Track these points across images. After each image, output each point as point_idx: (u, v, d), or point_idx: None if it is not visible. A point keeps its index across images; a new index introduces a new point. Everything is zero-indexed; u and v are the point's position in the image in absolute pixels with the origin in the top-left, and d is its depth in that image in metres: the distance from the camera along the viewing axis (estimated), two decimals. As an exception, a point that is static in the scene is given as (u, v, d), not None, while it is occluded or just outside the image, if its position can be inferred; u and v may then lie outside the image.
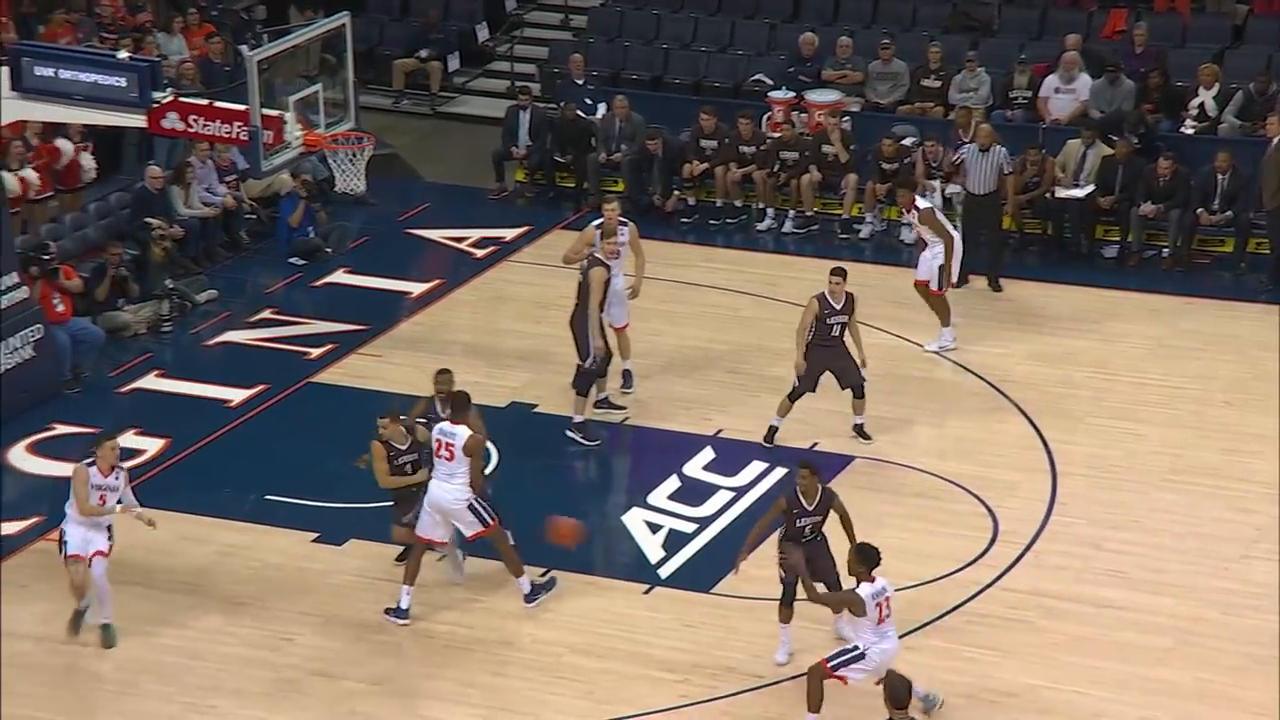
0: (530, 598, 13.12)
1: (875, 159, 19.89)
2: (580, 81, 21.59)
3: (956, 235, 17.00)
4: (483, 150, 21.34)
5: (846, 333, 15.15)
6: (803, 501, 12.27)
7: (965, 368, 16.70)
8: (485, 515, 13.00)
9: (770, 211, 20.19)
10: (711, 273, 18.83)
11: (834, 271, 15.19)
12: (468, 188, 21.16)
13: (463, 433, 12.81)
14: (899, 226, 19.83)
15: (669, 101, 21.66)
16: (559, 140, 20.90)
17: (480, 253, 19.42)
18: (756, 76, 21.97)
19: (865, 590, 11.34)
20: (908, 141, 20.19)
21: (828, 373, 15.18)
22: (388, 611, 12.98)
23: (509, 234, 19.86)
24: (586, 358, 15.26)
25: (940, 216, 17.10)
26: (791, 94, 20.90)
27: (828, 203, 20.29)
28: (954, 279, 17.05)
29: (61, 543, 12.55)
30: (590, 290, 15.19)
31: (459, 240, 19.74)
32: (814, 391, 15.22)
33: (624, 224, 15.91)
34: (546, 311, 17.82)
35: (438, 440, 12.83)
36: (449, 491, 12.85)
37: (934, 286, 16.92)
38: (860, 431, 15.43)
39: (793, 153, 20.21)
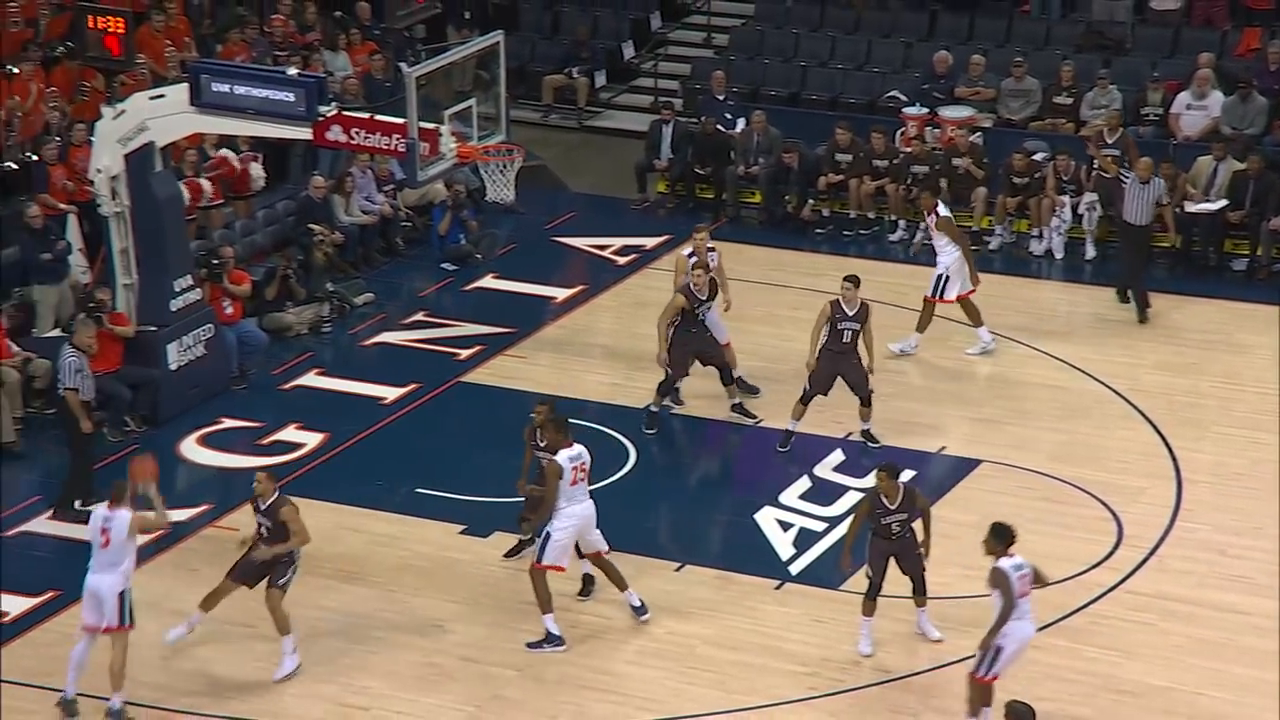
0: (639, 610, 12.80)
1: (1006, 173, 19.71)
2: (721, 97, 21.63)
3: (963, 245, 16.65)
4: (626, 163, 21.49)
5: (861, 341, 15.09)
6: (885, 502, 12.30)
7: (1093, 376, 16.49)
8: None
9: (902, 223, 20.09)
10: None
11: (847, 278, 15.12)
12: (611, 198, 21.28)
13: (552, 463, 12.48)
14: (1028, 239, 19.64)
15: (806, 117, 21.63)
16: (699, 153, 20.97)
17: (622, 260, 19.54)
18: (891, 93, 21.87)
19: (1005, 564, 11.25)
20: (1038, 156, 19.99)
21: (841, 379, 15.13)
22: (535, 645, 12.52)
23: (650, 242, 19.93)
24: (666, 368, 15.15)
25: (954, 225, 16.87)
26: (925, 110, 20.79)
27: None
28: (971, 285, 16.65)
29: (124, 610, 11.72)
30: (667, 309, 15.29)
31: (602, 248, 19.87)
32: (825, 395, 15.12)
33: (713, 250, 15.92)
34: (685, 317, 17.95)
35: (574, 466, 12.49)
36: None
37: (929, 294, 16.70)
38: (868, 436, 15.28)
39: (924, 167, 20.08)
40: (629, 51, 24.54)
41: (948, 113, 20.68)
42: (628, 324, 18.05)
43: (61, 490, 14.38)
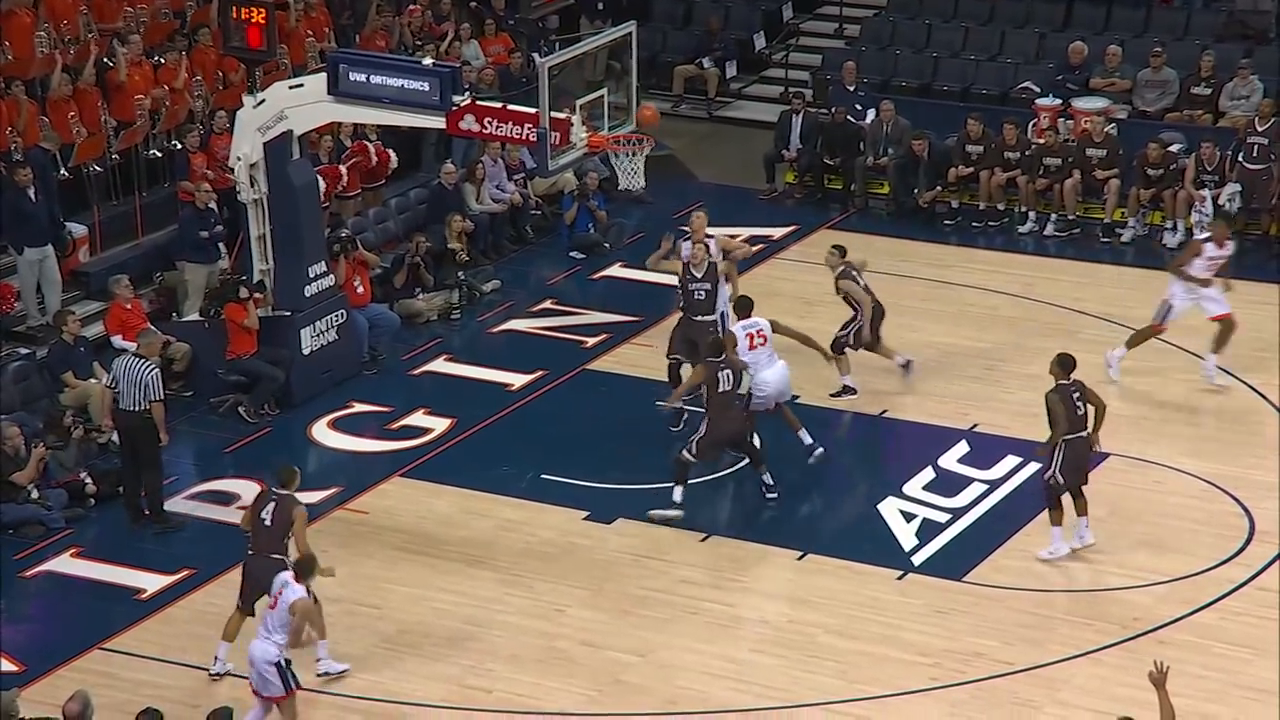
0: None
1: (1140, 165, 19.37)
2: (852, 88, 21.50)
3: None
4: (755, 153, 21.43)
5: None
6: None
7: (1228, 371, 16.16)
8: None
9: (1032, 215, 19.83)
10: (971, 273, 18.60)
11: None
12: (739, 188, 21.23)
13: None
14: (1160, 231, 19.29)
15: (937, 108, 21.43)
16: (828, 144, 20.86)
17: (751, 250, 19.50)
18: (1024, 84, 21.59)
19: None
20: (1174, 148, 19.63)
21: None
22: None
23: (777, 233, 19.88)
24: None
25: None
26: (1058, 101, 20.50)
27: (1090, 207, 19.83)
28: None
29: (286, 679, 11.31)
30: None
31: (731, 238, 19.78)
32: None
33: (710, 237, 15.72)
34: (811, 307, 17.81)
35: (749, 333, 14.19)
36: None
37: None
38: (845, 390, 15.84)
39: (1056, 159, 19.80)
40: (760, 42, 24.47)
41: (1081, 104, 20.37)
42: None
43: (153, 503, 14.06)
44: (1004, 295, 18.13)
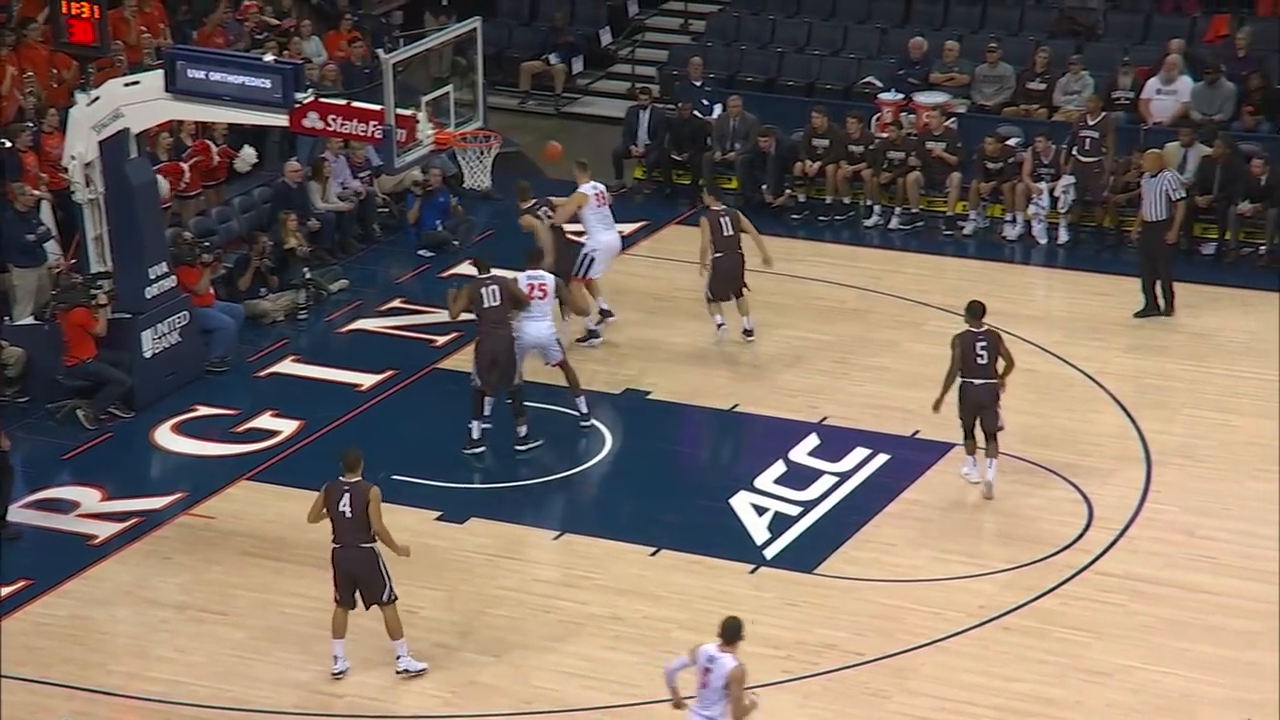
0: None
1: (980, 158, 19.70)
2: (698, 83, 21.58)
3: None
4: (603, 149, 21.37)
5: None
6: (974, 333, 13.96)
7: (1064, 359, 16.51)
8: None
9: (877, 208, 20.07)
10: (819, 266, 18.76)
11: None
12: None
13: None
14: (1001, 223, 19.64)
15: (783, 103, 21.58)
16: (676, 139, 20.91)
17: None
18: (867, 79, 21.86)
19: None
20: (1011, 141, 20.00)
21: None
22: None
23: (626, 229, 19.53)
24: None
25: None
26: (900, 96, 20.77)
27: (933, 200, 20.13)
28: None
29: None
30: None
31: (580, 234, 19.65)
32: (727, 300, 16.58)
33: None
34: (662, 303, 17.91)
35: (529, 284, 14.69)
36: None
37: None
38: (746, 334, 16.61)
39: (899, 152, 20.07)
40: (606, 37, 24.47)
41: (923, 98, 20.65)
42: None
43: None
44: (851, 289, 18.33)
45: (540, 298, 15.04)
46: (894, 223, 19.92)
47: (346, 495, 11.82)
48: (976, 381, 13.94)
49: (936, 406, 14.04)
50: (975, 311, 14.03)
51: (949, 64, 21.36)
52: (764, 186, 20.29)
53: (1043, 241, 19.32)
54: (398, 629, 12.01)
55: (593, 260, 16.88)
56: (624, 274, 18.74)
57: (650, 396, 16.03)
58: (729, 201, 19.90)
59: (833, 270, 18.73)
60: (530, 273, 15.14)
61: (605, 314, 17.17)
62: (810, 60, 22.63)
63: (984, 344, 13.92)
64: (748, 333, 16.84)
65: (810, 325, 17.45)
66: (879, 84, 21.54)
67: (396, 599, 11.96)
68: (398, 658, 12.08)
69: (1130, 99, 20.41)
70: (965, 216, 19.75)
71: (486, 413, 14.92)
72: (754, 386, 16.14)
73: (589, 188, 17.02)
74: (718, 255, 16.56)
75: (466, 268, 15.68)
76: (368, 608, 11.96)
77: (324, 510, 11.92)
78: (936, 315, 17.44)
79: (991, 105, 21.00)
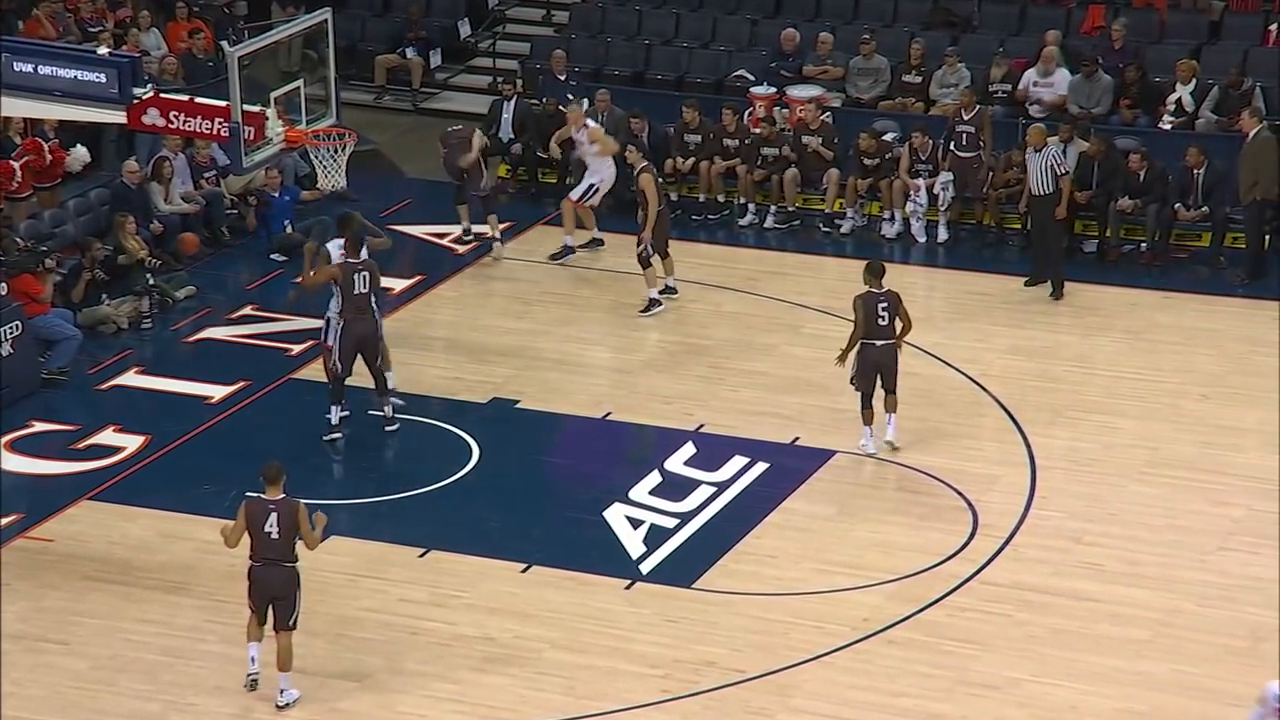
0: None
1: (856, 154, 19.87)
2: (562, 77, 21.52)
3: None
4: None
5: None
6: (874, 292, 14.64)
7: (945, 361, 16.70)
8: None
9: (751, 207, 20.15)
10: (694, 268, 18.77)
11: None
12: (449, 184, 20.90)
13: None
14: (880, 222, 19.83)
15: (652, 97, 21.58)
16: (542, 136, 20.83)
17: (462, 249, 19.41)
18: (738, 72, 21.90)
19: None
20: (888, 137, 20.20)
21: None
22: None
23: (490, 230, 19.82)
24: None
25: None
26: (773, 90, 20.88)
27: (809, 198, 20.26)
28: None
29: None
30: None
31: (440, 236, 19.71)
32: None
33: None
34: (529, 307, 17.89)
35: None
36: None
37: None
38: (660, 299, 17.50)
39: (774, 149, 20.17)
40: (465, 29, 24.33)
41: (796, 92, 20.79)
42: (469, 315, 17.94)
43: None
44: (727, 291, 18.40)
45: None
46: (770, 222, 20.02)
47: (273, 514, 11.72)
48: (878, 343, 14.65)
49: (841, 359, 14.73)
50: (875, 271, 14.76)
51: (823, 57, 21.50)
52: (633, 186, 20.21)
53: (921, 240, 19.53)
54: (289, 660, 11.86)
55: (597, 190, 18.71)
56: (488, 276, 18.70)
57: (519, 405, 15.98)
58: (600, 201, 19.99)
59: (707, 272, 18.79)
60: (338, 242, 15.48)
61: (597, 242, 18.98)
62: (679, 53, 22.66)
63: (884, 305, 14.64)
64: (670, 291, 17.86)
65: (685, 329, 17.51)
66: (750, 77, 21.63)
67: (296, 627, 11.80)
68: (281, 691, 11.95)
69: (1007, 92, 20.71)
70: (843, 215, 19.92)
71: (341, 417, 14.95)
72: (627, 394, 16.15)
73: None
74: (660, 210, 17.62)
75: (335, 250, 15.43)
76: (276, 630, 11.78)
77: (245, 531, 11.72)
78: (815, 317, 17.57)
79: (867, 99, 21.18)
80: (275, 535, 11.70)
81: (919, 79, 21.05)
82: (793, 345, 17.06)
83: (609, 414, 15.84)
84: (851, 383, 14.83)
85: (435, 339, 17.45)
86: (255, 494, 12.00)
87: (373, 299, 15.13)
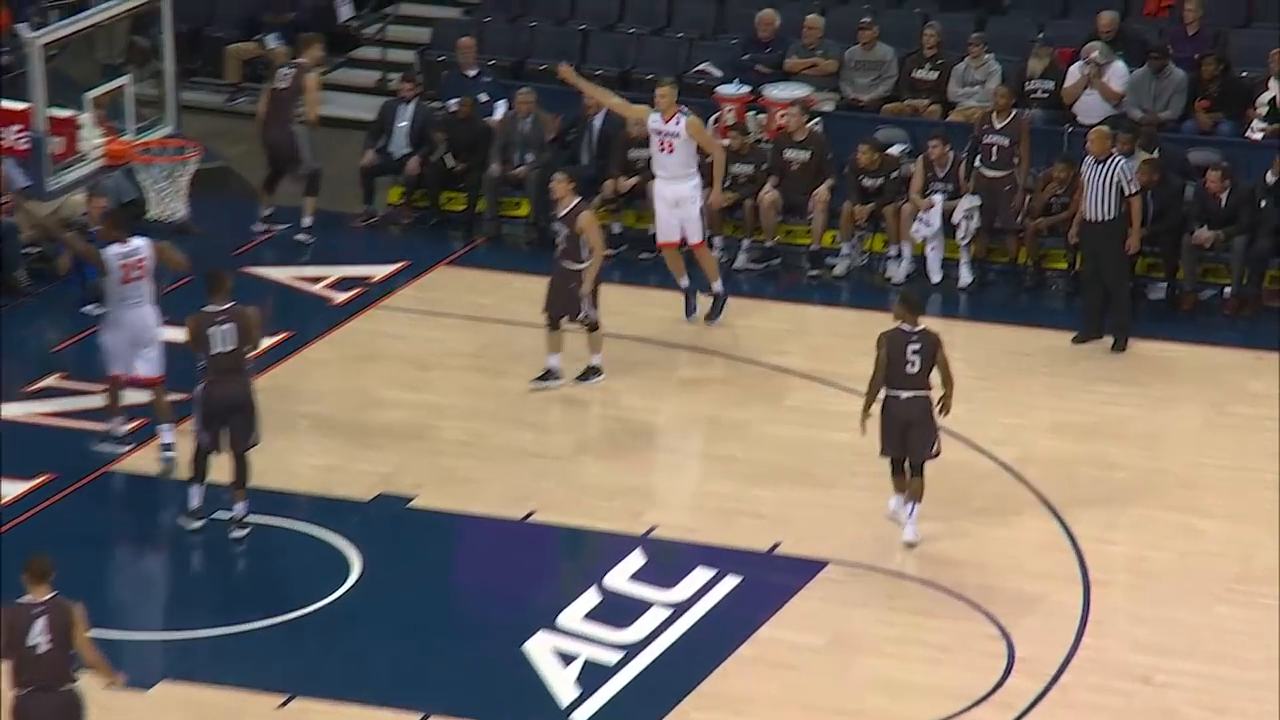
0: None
1: (853, 173, 19.89)
2: (473, 73, 21.60)
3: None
4: (346, 163, 21.36)
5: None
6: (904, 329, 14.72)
7: (971, 443, 16.70)
8: None
9: (718, 241, 20.11)
10: (645, 322, 18.80)
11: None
12: (325, 212, 21.03)
13: None
14: (883, 260, 19.83)
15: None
16: (452, 149, 20.75)
17: (341, 297, 19.42)
18: (701, 66, 22.02)
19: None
20: (895, 150, 20.21)
21: None
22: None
23: (379, 272, 19.83)
24: None
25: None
26: (746, 89, 20.93)
27: (793, 229, 20.24)
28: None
29: None
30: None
31: (313, 281, 19.70)
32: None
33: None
34: (426, 374, 17.84)
35: None
36: None
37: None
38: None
39: (747, 166, 20.16)
40: (346, 10, 24.44)
41: (776, 92, 20.84)
42: (349, 384, 17.89)
43: None
44: (686, 350, 18.37)
45: (139, 277, 15.77)
46: (741, 259, 20.00)
47: (40, 620, 11.47)
48: (904, 394, 14.71)
49: (864, 424, 14.81)
50: (911, 304, 14.87)
51: (810, 46, 21.58)
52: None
53: (937, 280, 19.56)
54: None
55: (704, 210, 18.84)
56: (376, 334, 18.73)
57: (413, 504, 15.84)
58: (520, 234, 19.89)
59: (660, 326, 18.76)
60: (120, 249, 15.79)
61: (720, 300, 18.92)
62: (624, 41, 22.77)
63: (916, 347, 14.67)
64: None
65: (631, 403, 17.47)
66: (716, 73, 21.71)
67: None
68: None
69: (1049, 91, 20.77)
70: (836, 251, 19.91)
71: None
72: (555, 486, 16.09)
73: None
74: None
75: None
76: None
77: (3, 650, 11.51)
78: (800, 385, 17.57)
79: (867, 101, 21.25)
80: (44, 649, 11.41)
81: (934, 75, 21.15)
82: (771, 422, 17.02)
83: (532, 513, 15.75)
84: (883, 452, 15.01)
85: (303, 416, 17.35)
86: (13, 601, 11.68)
87: (240, 358, 15.17)
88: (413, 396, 17.47)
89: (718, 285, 18.73)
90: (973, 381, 17.70)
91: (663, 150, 18.54)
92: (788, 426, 16.83)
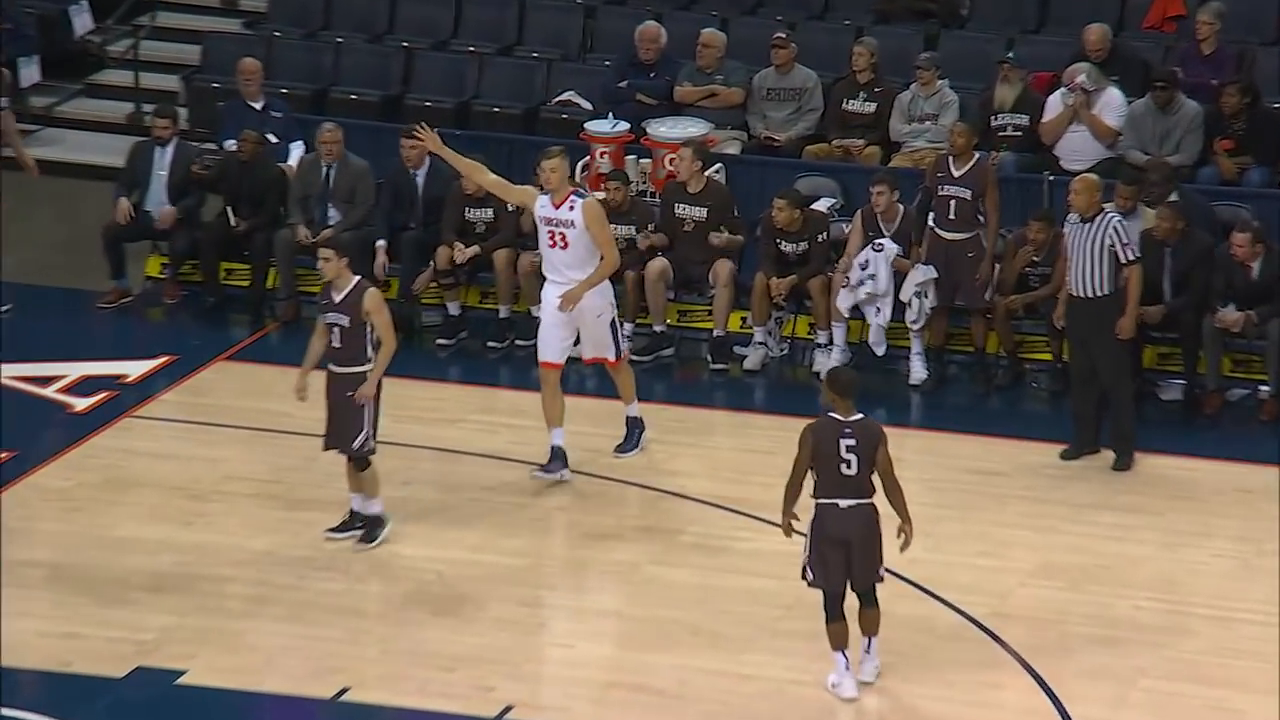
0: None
1: (767, 236, 19.95)
2: (259, 105, 21.73)
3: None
4: (87, 223, 21.32)
5: None
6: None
7: (930, 592, 16.69)
8: None
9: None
10: (490, 431, 19.01)
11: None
12: (60, 290, 20.94)
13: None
14: (809, 349, 20.00)
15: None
16: (231, 202, 20.69)
17: (82, 404, 19.35)
18: (564, 95, 22.14)
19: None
20: (821, 205, 20.29)
21: None
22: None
23: (134, 370, 19.84)
24: None
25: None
26: (623, 126, 21.08)
27: (688, 310, 20.25)
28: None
29: None
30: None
31: (44, 383, 19.69)
32: None
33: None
34: (201, 505, 17.83)
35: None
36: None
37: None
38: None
39: (627, 226, 20.18)
40: (84, 22, 24.43)
41: (663, 130, 21.00)
42: (94, 519, 17.78)
43: None
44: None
45: None
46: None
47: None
48: (842, 503, 14.72)
49: (787, 524, 14.89)
50: (842, 385, 14.88)
51: (707, 70, 21.73)
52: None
53: (881, 353, 19.82)
54: None
55: None
56: (128, 453, 18.67)
57: (182, 680, 15.65)
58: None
59: (514, 436, 18.91)
60: None
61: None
62: (460, 62, 22.89)
63: (851, 443, 14.65)
64: None
65: (475, 539, 17.52)
66: (584, 104, 21.94)
67: None
68: None
69: (1023, 128, 20.90)
70: (747, 338, 20.05)
71: None
72: (378, 653, 16.03)
73: None
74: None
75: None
76: None
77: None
78: (697, 515, 17.73)
79: (784, 141, 21.39)
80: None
81: (871, 107, 21.32)
82: (664, 565, 17.09)
83: (345, 691, 15.54)
84: (804, 576, 14.86)
85: (33, 566, 17.13)
86: None
87: None
88: (182, 536, 17.38)
89: (633, 409, 18.55)
90: (930, 510, 17.81)
91: (553, 245, 17.84)
92: (684, 570, 16.90)
